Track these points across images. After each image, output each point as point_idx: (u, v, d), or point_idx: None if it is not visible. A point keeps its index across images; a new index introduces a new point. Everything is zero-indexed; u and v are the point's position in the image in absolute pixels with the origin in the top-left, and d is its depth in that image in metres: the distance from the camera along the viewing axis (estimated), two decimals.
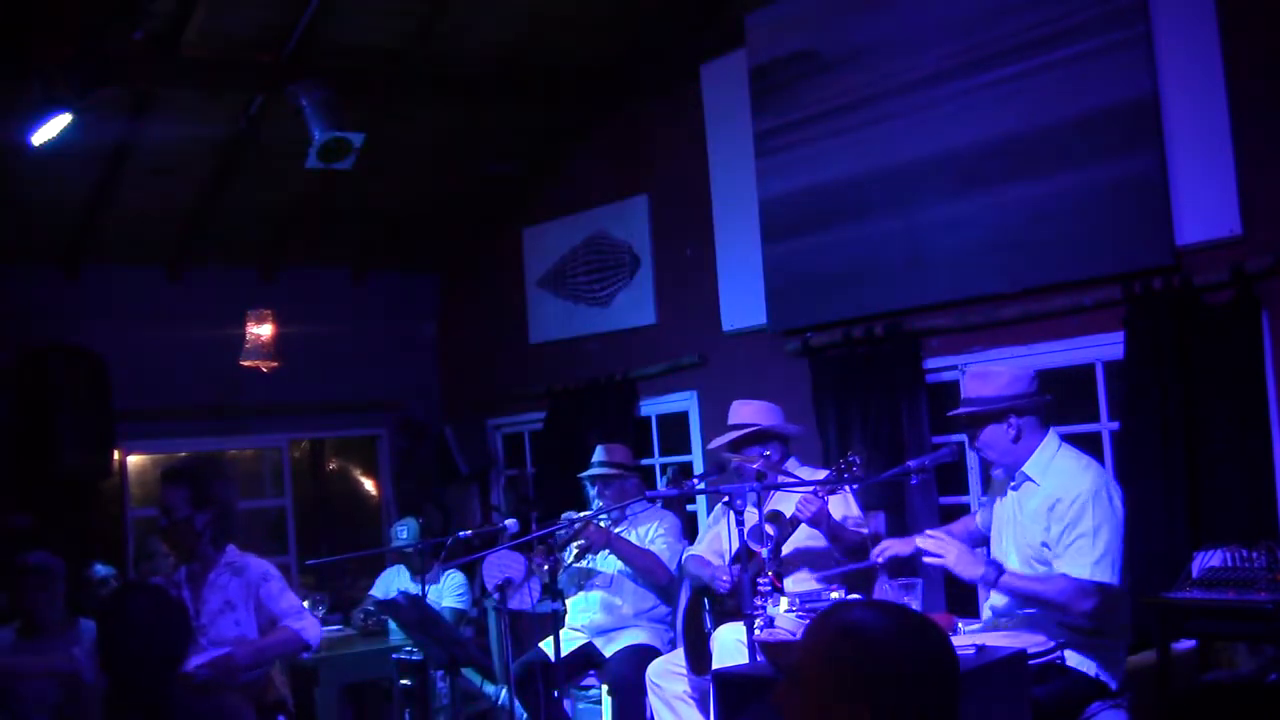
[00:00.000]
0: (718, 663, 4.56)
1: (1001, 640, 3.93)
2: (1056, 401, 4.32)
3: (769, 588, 4.42)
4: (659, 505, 5.83)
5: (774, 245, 6.40)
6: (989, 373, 4.31)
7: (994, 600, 4.36)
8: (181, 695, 3.31)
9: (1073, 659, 4.05)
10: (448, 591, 6.86)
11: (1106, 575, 3.94)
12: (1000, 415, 4.20)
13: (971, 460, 5.57)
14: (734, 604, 4.83)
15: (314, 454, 9.21)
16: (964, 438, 4.49)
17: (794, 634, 3.94)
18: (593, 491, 5.91)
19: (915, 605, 4.05)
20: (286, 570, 8.19)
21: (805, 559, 5.05)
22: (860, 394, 5.94)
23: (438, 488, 8.56)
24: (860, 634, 1.81)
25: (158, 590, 3.62)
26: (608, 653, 5.65)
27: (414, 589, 6.30)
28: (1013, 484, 4.29)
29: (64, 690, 4.82)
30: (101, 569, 6.49)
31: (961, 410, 4.32)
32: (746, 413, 5.18)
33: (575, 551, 5.69)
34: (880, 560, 4.50)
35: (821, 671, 1.81)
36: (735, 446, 5.11)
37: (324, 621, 6.60)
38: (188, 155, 7.08)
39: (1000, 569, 4.05)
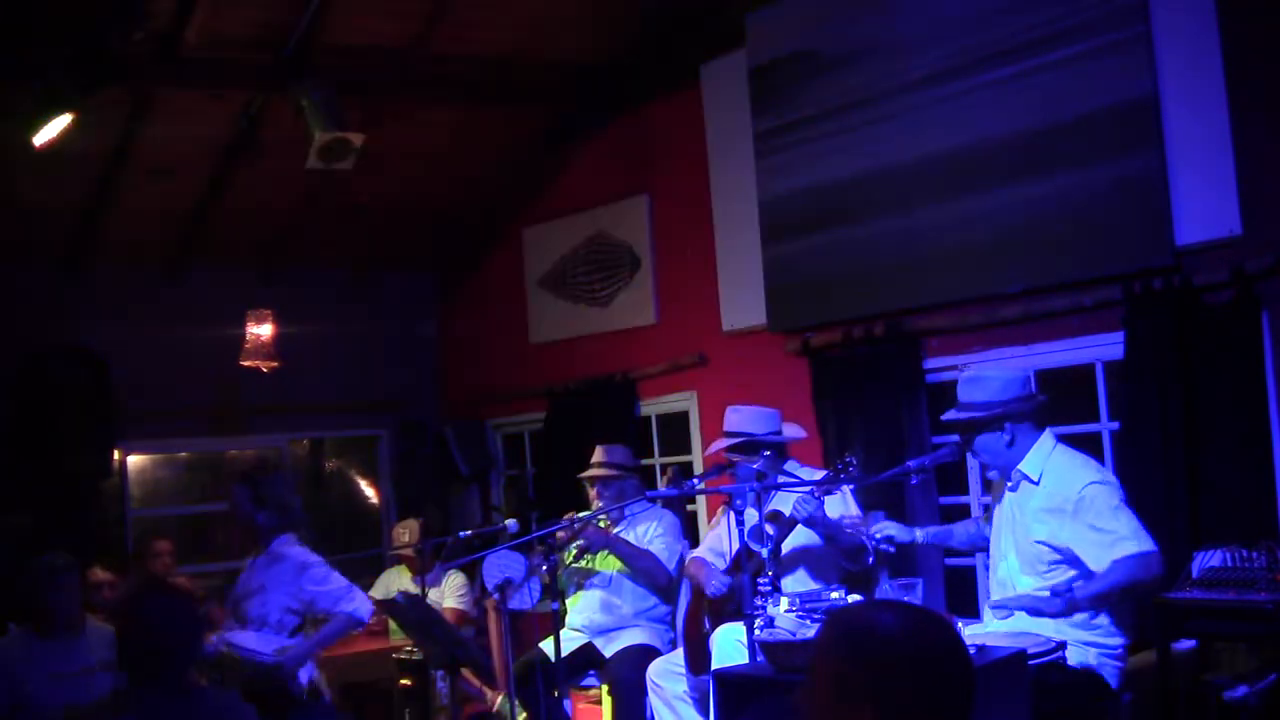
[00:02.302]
0: (717, 663, 4.56)
1: (1003, 640, 3.94)
2: (1056, 401, 4.33)
3: (769, 588, 4.42)
4: (658, 505, 5.83)
5: (774, 245, 6.40)
6: (982, 378, 4.31)
7: (994, 601, 4.36)
8: (196, 692, 3.37)
9: (1073, 659, 4.06)
10: (448, 591, 6.86)
11: (1150, 543, 4.02)
12: (995, 423, 4.21)
13: (972, 460, 5.56)
14: (733, 607, 4.83)
15: (314, 454, 9.20)
16: (960, 440, 4.49)
17: (794, 634, 3.94)
18: (591, 492, 5.91)
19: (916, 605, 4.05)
20: None
21: (802, 559, 5.06)
22: (860, 394, 5.94)
23: (438, 488, 8.56)
24: (863, 634, 1.81)
25: (172, 590, 3.70)
26: (608, 653, 5.65)
27: (414, 589, 6.30)
28: (1010, 485, 4.29)
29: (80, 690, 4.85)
30: (100, 573, 6.46)
31: (956, 416, 4.32)
32: (738, 420, 5.17)
33: (574, 552, 5.70)
34: (878, 538, 4.51)
35: (826, 672, 1.81)
36: (729, 451, 5.11)
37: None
38: (188, 155, 7.07)
39: (1070, 590, 4.04)
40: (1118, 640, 4.15)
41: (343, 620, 5.13)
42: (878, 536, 4.53)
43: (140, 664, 3.28)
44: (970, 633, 4.17)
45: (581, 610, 5.85)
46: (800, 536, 4.93)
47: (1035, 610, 4.06)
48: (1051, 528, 4.13)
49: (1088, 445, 4.77)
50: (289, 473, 5.31)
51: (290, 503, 5.23)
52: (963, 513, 5.63)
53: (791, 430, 5.25)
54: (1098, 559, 4.03)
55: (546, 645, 5.36)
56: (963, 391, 4.34)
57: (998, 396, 4.22)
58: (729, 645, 4.58)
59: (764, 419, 5.16)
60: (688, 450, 7.18)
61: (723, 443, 5.14)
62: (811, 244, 6.20)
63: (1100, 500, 4.05)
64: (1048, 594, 4.07)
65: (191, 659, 3.39)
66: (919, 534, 4.65)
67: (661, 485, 6.81)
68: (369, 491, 9.15)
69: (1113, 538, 4.02)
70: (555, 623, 5.01)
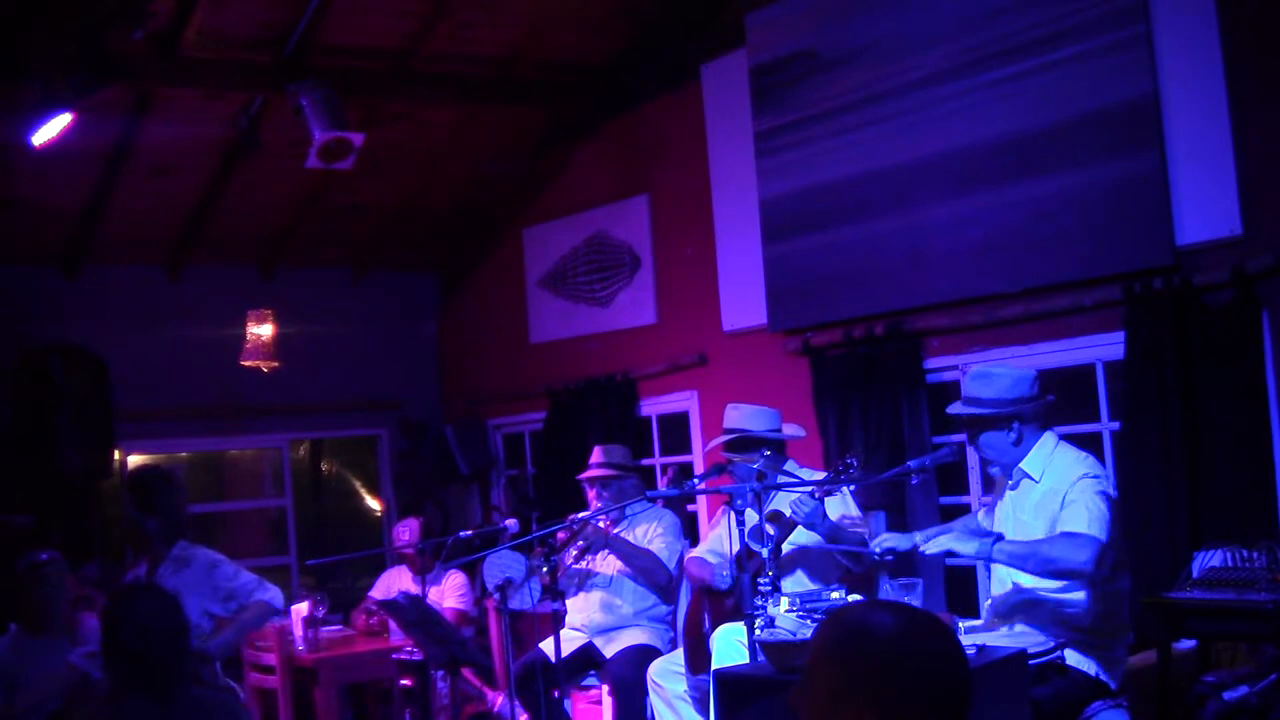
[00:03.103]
0: (717, 663, 4.56)
1: (1002, 640, 3.94)
2: (1056, 402, 4.32)
3: (769, 588, 4.42)
4: (658, 505, 5.83)
5: (774, 245, 6.40)
6: (991, 374, 4.30)
7: (994, 597, 4.36)
8: (185, 692, 3.34)
9: (1073, 659, 4.06)
10: (448, 591, 6.86)
11: (1100, 534, 3.94)
12: (1004, 421, 4.19)
13: (972, 460, 5.57)
14: (733, 603, 4.83)
15: (314, 454, 9.21)
16: (964, 437, 4.49)
17: (794, 634, 3.94)
18: (590, 493, 5.91)
19: (916, 605, 4.05)
20: (287, 570, 8.21)
21: (801, 560, 5.05)
22: (860, 394, 5.94)
23: (438, 488, 8.56)
24: (865, 634, 1.81)
25: (159, 591, 3.67)
26: (608, 653, 5.65)
27: (414, 589, 6.30)
28: (1011, 484, 4.29)
29: (71, 689, 4.84)
30: (91, 571, 6.46)
31: (963, 411, 4.31)
32: (737, 417, 5.17)
33: (575, 552, 5.70)
34: (878, 552, 4.50)
35: (827, 672, 1.81)
36: (727, 450, 5.10)
37: (324, 622, 6.61)
38: (188, 155, 7.08)
39: (997, 537, 4.07)
40: (1117, 640, 4.14)
41: (261, 607, 5.13)
42: (877, 550, 4.52)
43: (123, 668, 3.25)
44: (970, 633, 4.17)
45: (582, 610, 5.85)
46: (799, 537, 4.93)
47: (950, 545, 4.10)
48: (1046, 525, 4.13)
49: (1088, 445, 4.76)
50: (179, 480, 5.32)
51: (179, 508, 5.22)
52: (963, 513, 5.62)
53: (790, 429, 5.24)
54: (1051, 528, 4.04)
55: (546, 645, 5.36)
56: (970, 387, 4.32)
57: (1007, 395, 4.20)
58: (729, 645, 4.57)
59: (763, 417, 5.16)
60: (688, 450, 7.18)
61: (719, 439, 5.14)
62: (811, 244, 6.20)
63: (1084, 489, 4.04)
64: (984, 543, 4.06)
65: (177, 663, 3.34)
66: (919, 538, 4.63)
67: (662, 485, 6.81)
68: (368, 492, 9.16)
69: (1068, 514, 4.00)
70: (555, 623, 5.01)
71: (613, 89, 7.43)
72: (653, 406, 7.39)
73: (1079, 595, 4.11)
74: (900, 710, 1.75)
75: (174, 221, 7.68)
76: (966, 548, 4.09)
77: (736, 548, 4.39)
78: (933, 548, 4.14)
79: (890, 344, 5.85)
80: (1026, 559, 3.99)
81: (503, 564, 5.42)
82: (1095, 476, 4.08)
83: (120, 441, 7.68)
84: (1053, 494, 4.12)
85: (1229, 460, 4.68)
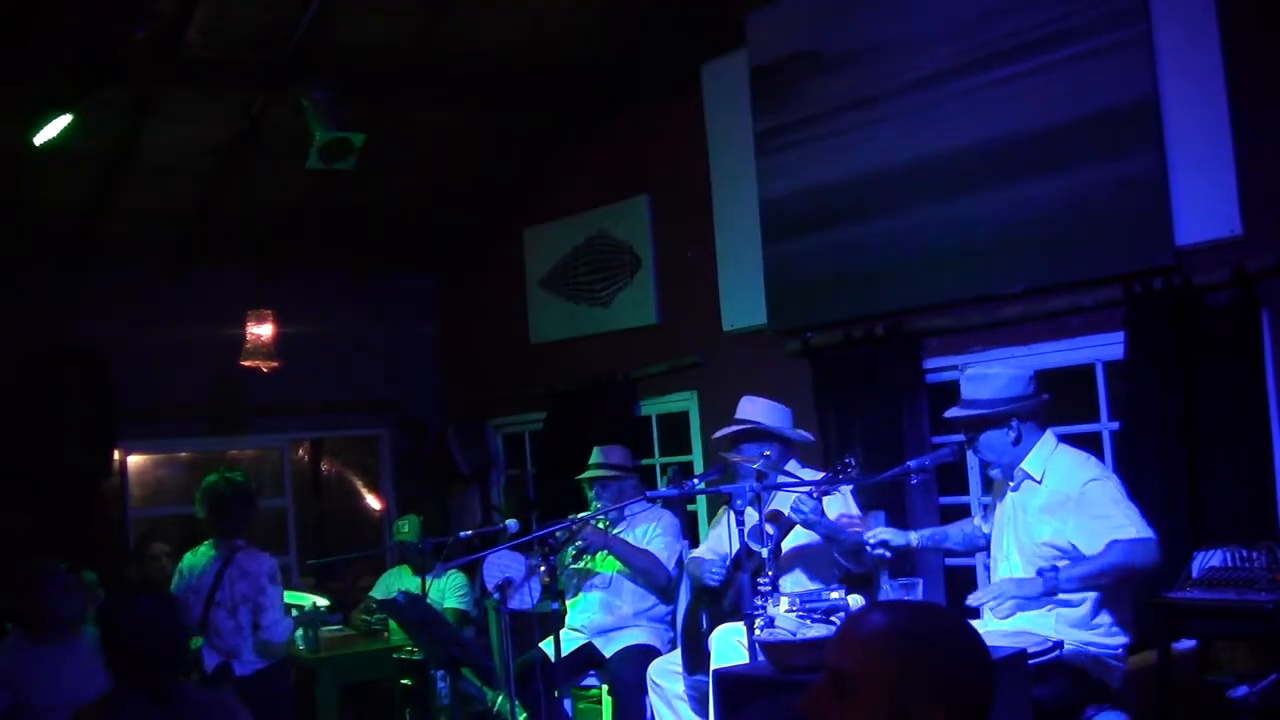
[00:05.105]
0: (717, 663, 4.55)
1: (1002, 640, 3.94)
2: (1056, 401, 4.32)
3: (768, 587, 4.42)
4: (658, 505, 5.82)
5: (774, 245, 6.40)
6: (987, 375, 4.30)
7: (975, 597, 4.36)
8: (186, 692, 3.35)
9: (1073, 659, 4.05)
10: (449, 591, 6.86)
11: (1149, 531, 3.97)
12: (1002, 420, 4.19)
13: (972, 460, 5.56)
14: (731, 603, 4.82)
15: (314, 454, 9.20)
16: (964, 438, 4.49)
17: (793, 634, 3.93)
18: (591, 493, 5.91)
19: None
20: (287, 570, 8.20)
21: (801, 559, 5.05)
22: (861, 394, 5.94)
23: (438, 488, 8.56)
24: (921, 635, 1.81)
25: (159, 591, 3.68)
26: (608, 653, 5.65)
27: (415, 588, 6.30)
28: (1012, 485, 4.29)
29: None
30: (88, 575, 6.44)
31: (961, 413, 4.31)
32: (751, 409, 5.15)
33: (573, 552, 5.70)
34: (872, 544, 4.49)
35: (889, 676, 1.78)
36: (734, 441, 5.09)
37: (322, 622, 6.59)
38: (188, 155, 7.08)
39: (1055, 570, 4.02)
40: (1118, 640, 4.14)
41: None
42: (872, 542, 4.52)
43: (124, 667, 3.26)
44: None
45: (581, 610, 5.85)
46: (798, 536, 4.93)
47: (1016, 595, 4.03)
48: (1055, 527, 4.13)
49: (1088, 445, 4.76)
50: (219, 486, 5.70)
51: (211, 511, 5.66)
52: (963, 513, 5.62)
53: (799, 433, 5.22)
54: (1093, 545, 4.01)
55: (546, 645, 5.36)
56: (966, 388, 4.32)
57: (1003, 394, 4.21)
58: (728, 645, 4.57)
59: (777, 414, 5.12)
60: (688, 450, 7.17)
61: (730, 427, 5.12)
62: (811, 244, 6.20)
63: (1100, 494, 4.04)
64: (1048, 579, 4.00)
65: (175, 663, 3.36)
66: (914, 537, 4.63)
67: (661, 485, 6.80)
68: (369, 492, 9.16)
69: (1110, 524, 3.99)
70: (555, 623, 5.01)
71: (613, 89, 7.42)
72: (652, 407, 7.38)
73: (1079, 596, 4.11)
74: (969, 708, 1.77)
75: (175, 222, 7.68)
76: (1032, 590, 4.02)
77: (736, 547, 4.39)
78: (1003, 611, 4.04)
79: (890, 344, 5.85)
80: (1099, 577, 3.98)
81: (503, 564, 5.41)
82: (1107, 478, 4.09)
83: (120, 441, 7.69)
84: (1059, 496, 4.12)
85: (1229, 460, 4.68)
